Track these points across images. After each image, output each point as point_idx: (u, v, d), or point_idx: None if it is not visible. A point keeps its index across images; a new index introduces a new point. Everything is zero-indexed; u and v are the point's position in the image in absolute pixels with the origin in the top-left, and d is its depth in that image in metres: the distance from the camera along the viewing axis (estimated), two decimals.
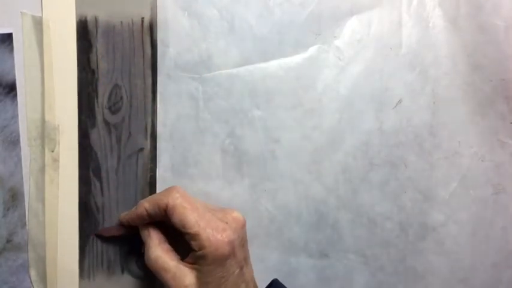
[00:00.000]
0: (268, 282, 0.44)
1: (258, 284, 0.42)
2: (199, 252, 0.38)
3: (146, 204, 0.40)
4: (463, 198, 0.47)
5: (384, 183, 0.46)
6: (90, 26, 0.42)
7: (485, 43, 0.45)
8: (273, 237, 0.46)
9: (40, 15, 0.40)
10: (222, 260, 0.38)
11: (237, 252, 0.39)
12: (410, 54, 0.45)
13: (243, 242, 0.40)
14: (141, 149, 0.44)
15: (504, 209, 0.47)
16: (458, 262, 0.47)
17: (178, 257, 0.40)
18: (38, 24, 0.40)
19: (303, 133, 0.45)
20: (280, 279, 0.45)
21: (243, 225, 0.40)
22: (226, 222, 0.39)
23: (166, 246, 0.40)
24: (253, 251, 0.45)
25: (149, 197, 0.41)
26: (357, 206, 0.46)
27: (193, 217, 0.38)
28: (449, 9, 0.45)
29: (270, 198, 0.45)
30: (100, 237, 0.43)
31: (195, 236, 0.37)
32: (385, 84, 0.45)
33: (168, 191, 0.39)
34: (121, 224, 0.43)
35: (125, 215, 0.42)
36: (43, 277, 0.42)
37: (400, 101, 0.46)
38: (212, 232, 0.37)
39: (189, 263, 0.39)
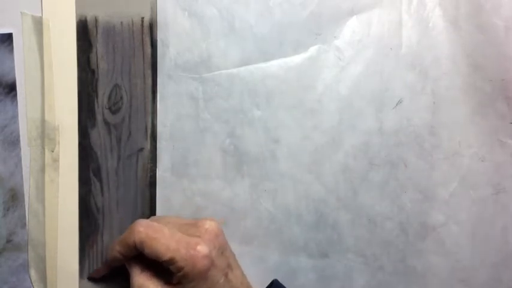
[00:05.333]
0: (268, 283, 0.44)
1: (257, 285, 0.42)
2: (180, 274, 0.38)
3: (117, 248, 0.40)
4: (463, 198, 0.47)
5: (384, 183, 0.46)
6: (90, 26, 0.42)
7: (485, 43, 0.45)
8: (273, 237, 0.46)
9: (40, 15, 0.40)
10: (202, 273, 0.38)
11: (217, 262, 0.39)
12: (410, 54, 0.45)
13: (221, 249, 0.40)
14: (141, 149, 0.44)
15: (504, 209, 0.47)
16: (458, 262, 0.47)
17: (162, 281, 0.39)
18: (38, 24, 0.40)
19: (303, 133, 0.45)
20: (280, 279, 0.45)
21: (218, 234, 0.40)
22: (199, 236, 0.39)
23: (149, 272, 0.40)
24: (253, 251, 0.45)
25: (118, 238, 0.40)
26: (356, 206, 0.46)
27: (162, 245, 0.38)
28: (449, 9, 0.45)
29: (270, 198, 0.45)
30: (93, 279, 0.44)
31: (170, 261, 0.38)
32: (385, 84, 0.45)
33: (131, 228, 0.39)
34: (106, 262, 0.43)
35: (108, 254, 0.42)
36: (43, 277, 0.42)
37: (400, 101, 0.46)
38: (186, 251, 0.38)
39: (174, 285, 0.39)
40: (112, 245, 0.41)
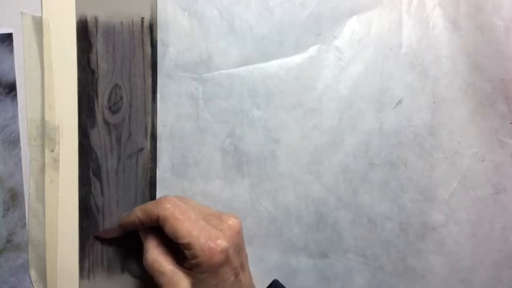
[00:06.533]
0: (269, 283, 0.44)
1: (257, 285, 0.42)
2: (193, 261, 0.38)
3: (139, 213, 0.40)
4: (463, 198, 0.47)
5: (384, 183, 0.46)
6: (90, 26, 0.42)
7: (485, 43, 0.45)
8: (273, 237, 0.46)
9: (40, 15, 0.40)
10: (215, 268, 0.38)
11: (232, 260, 0.38)
12: (410, 54, 0.45)
13: (238, 249, 0.40)
14: (141, 149, 0.44)
15: (504, 209, 0.47)
16: (458, 262, 0.47)
17: (175, 261, 0.39)
18: (38, 24, 0.40)
19: (303, 133, 0.45)
20: (280, 280, 0.45)
21: (239, 232, 0.40)
22: (221, 230, 0.39)
23: (164, 249, 0.40)
24: (253, 251, 0.45)
25: (143, 205, 0.40)
26: (356, 206, 0.46)
27: (184, 228, 0.37)
28: (449, 9, 0.45)
29: (270, 198, 0.45)
30: (99, 239, 0.43)
31: (187, 246, 0.37)
32: (385, 84, 0.45)
33: (159, 201, 0.39)
34: (120, 226, 0.43)
35: (124, 217, 0.42)
36: (43, 277, 0.42)
37: (400, 101, 0.46)
38: (205, 241, 0.37)
39: (186, 268, 0.39)
40: (133, 210, 0.40)
